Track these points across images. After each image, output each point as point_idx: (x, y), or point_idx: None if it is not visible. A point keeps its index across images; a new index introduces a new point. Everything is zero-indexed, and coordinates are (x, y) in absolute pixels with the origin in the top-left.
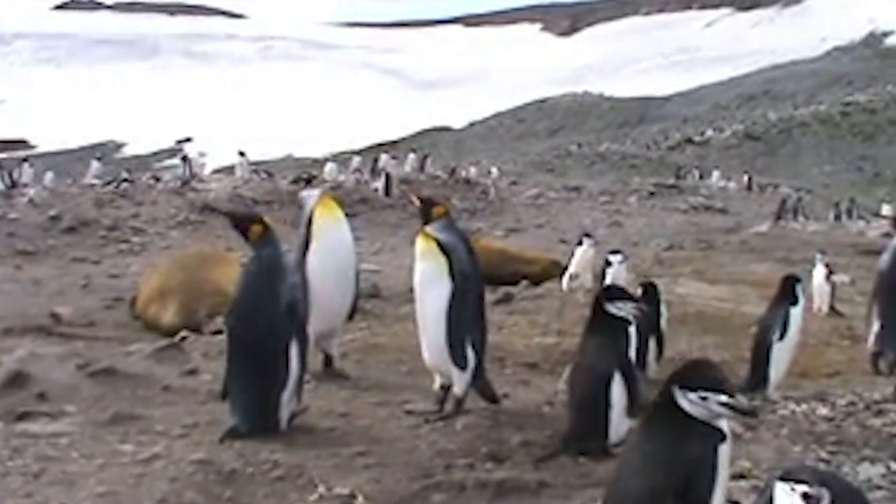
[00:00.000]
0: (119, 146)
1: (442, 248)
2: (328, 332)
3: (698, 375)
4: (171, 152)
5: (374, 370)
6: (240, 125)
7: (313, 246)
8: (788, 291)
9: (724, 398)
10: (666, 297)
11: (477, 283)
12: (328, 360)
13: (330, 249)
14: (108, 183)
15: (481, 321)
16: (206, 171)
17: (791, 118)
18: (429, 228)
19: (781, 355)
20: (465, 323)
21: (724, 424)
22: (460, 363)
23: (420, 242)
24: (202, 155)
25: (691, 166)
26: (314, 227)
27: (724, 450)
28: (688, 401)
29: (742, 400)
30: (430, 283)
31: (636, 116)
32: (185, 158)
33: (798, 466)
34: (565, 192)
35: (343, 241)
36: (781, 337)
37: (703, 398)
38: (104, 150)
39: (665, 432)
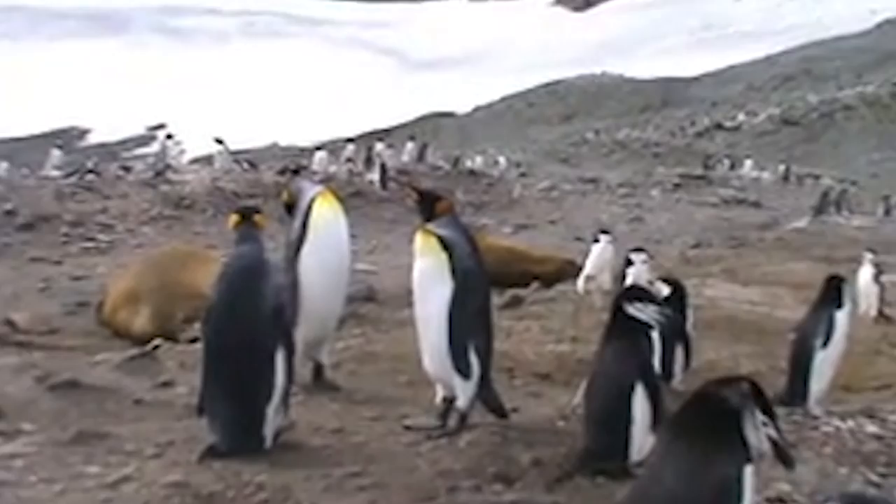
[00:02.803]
0: (83, 133)
1: (443, 244)
2: (319, 338)
3: (768, 401)
4: (142, 140)
5: (369, 381)
6: (219, 110)
7: (309, 242)
8: (832, 293)
9: (774, 433)
10: (694, 300)
11: (481, 283)
12: (319, 370)
13: (328, 247)
14: (71, 174)
15: (487, 326)
16: (183, 160)
17: (834, 101)
18: (430, 225)
19: (824, 365)
20: (468, 327)
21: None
22: (464, 372)
23: (419, 239)
24: (177, 143)
25: (721, 155)
26: (311, 222)
27: (751, 470)
28: (752, 422)
29: (787, 442)
30: (430, 282)
31: (659, 100)
32: (169, 136)
33: (845, 492)
34: (580, 185)
35: (341, 238)
36: (824, 344)
37: (765, 424)
38: (66, 138)
39: (695, 446)
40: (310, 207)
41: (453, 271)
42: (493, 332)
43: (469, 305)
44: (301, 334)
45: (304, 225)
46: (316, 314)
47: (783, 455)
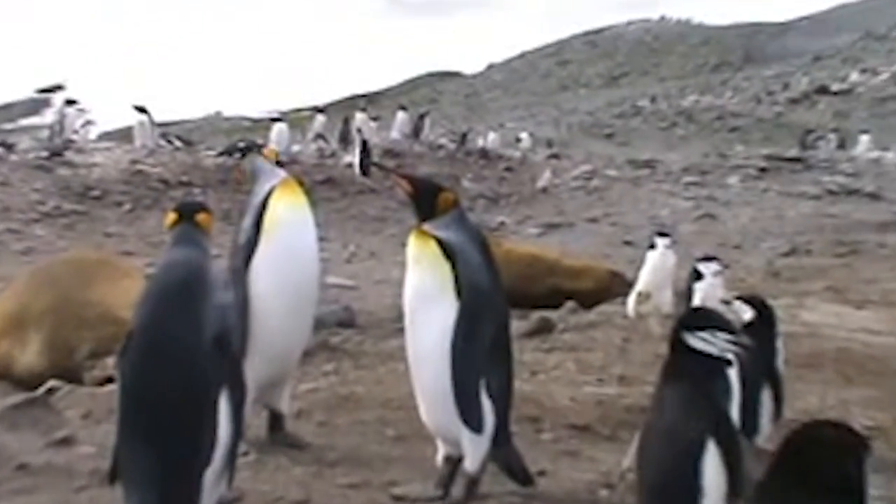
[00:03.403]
0: None
1: (445, 250)
2: (277, 378)
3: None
4: (31, 106)
5: (345, 435)
6: (140, 66)
7: (263, 247)
8: None
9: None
10: (786, 326)
11: (497, 303)
12: (276, 420)
13: (288, 254)
14: None
15: (505, 361)
16: (90, 135)
17: None
18: (428, 225)
19: None
20: (479, 362)
21: None
22: (473, 422)
23: (414, 244)
24: (81, 111)
25: (825, 129)
26: (266, 221)
27: None
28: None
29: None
30: (428, 302)
31: (740, 54)
32: (70, 101)
33: None
34: (631, 170)
35: (307, 242)
36: None
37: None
38: None
39: None
40: (265, 201)
41: (459, 287)
42: (513, 369)
43: (480, 333)
44: (253, 372)
45: (257, 224)
46: (273, 345)
47: None
